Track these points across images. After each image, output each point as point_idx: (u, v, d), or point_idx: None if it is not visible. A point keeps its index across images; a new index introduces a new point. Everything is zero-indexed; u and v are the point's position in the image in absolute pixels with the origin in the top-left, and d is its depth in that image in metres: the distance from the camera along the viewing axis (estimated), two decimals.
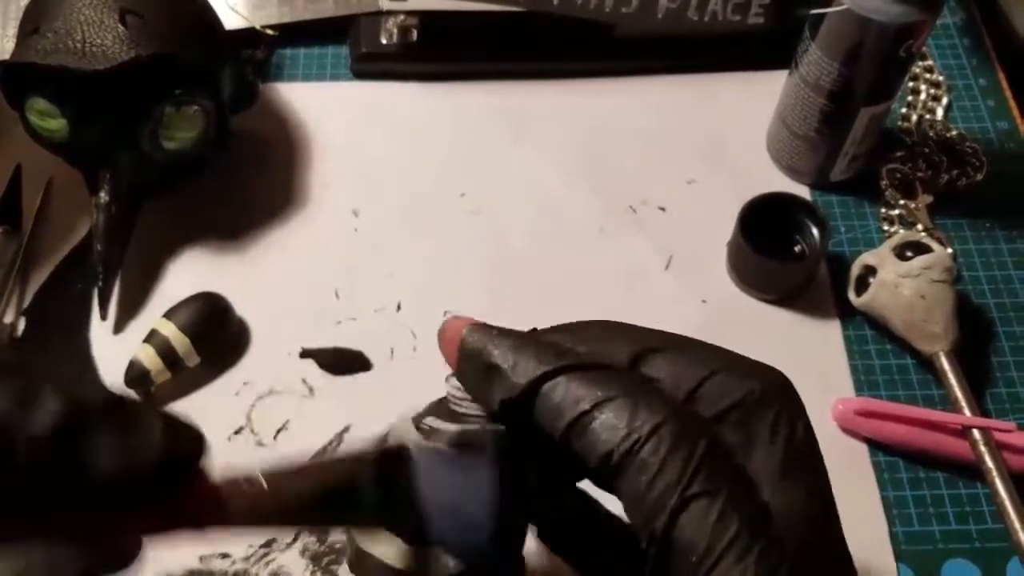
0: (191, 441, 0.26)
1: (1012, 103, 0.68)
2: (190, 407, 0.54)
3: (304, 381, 0.55)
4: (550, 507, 0.31)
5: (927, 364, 0.55)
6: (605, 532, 0.32)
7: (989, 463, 0.51)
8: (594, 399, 0.25)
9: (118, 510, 0.24)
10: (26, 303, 0.57)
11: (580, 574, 0.32)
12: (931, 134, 0.66)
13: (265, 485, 0.27)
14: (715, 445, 0.24)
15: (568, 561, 0.32)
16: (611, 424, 0.25)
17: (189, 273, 0.59)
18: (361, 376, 0.56)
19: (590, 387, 0.25)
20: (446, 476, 0.28)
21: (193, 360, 0.53)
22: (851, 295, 0.57)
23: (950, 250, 0.60)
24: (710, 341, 0.30)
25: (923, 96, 0.68)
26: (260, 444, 0.53)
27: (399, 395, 0.55)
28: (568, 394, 0.26)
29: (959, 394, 0.53)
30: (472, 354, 0.28)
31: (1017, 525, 0.49)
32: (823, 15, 0.54)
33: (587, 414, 0.25)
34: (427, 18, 0.66)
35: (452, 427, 0.29)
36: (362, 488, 0.28)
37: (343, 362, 0.55)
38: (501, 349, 0.27)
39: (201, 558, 0.50)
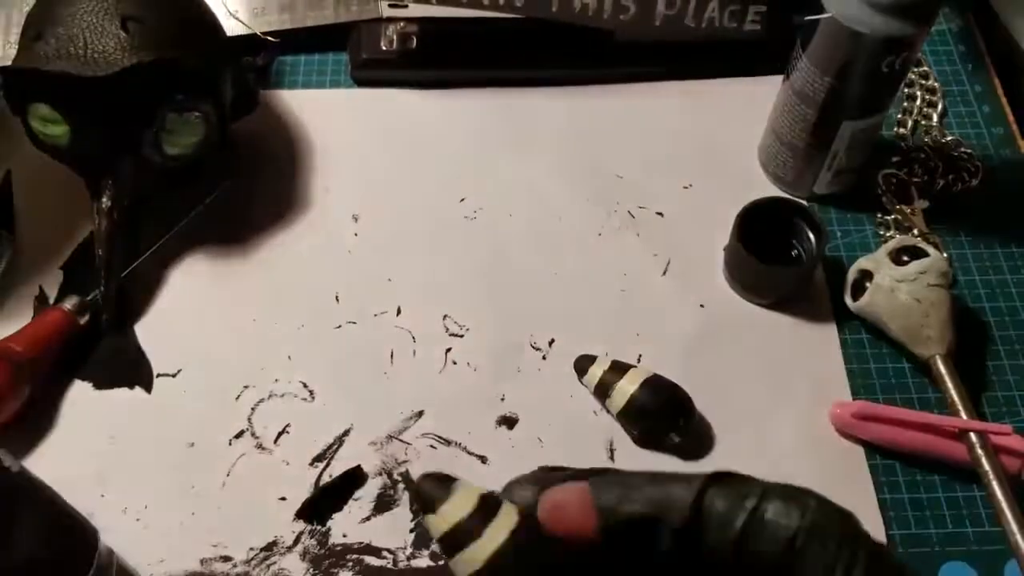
0: None
1: (1007, 109, 0.68)
2: (191, 410, 0.54)
3: (304, 385, 0.56)
4: None
5: (923, 368, 0.56)
6: None
7: (986, 466, 0.51)
8: (756, 495, 0.26)
9: None
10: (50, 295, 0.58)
11: None
12: (927, 140, 0.67)
13: None
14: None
15: None
16: (783, 511, 0.25)
17: (190, 278, 0.60)
18: (362, 380, 0.56)
19: (741, 488, 0.26)
20: None
21: None
22: (848, 299, 0.57)
23: (946, 255, 0.61)
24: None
25: (919, 102, 0.68)
26: (261, 448, 0.53)
27: (399, 399, 0.55)
28: (730, 498, 0.26)
29: (955, 397, 0.53)
30: (608, 512, 0.27)
31: (1014, 527, 0.49)
32: (814, 26, 0.54)
33: (757, 508, 0.26)
34: (427, 25, 0.67)
35: None
36: None
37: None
38: (636, 492, 0.27)
39: (202, 561, 0.50)
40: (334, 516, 0.52)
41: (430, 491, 0.27)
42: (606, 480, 0.27)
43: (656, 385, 0.53)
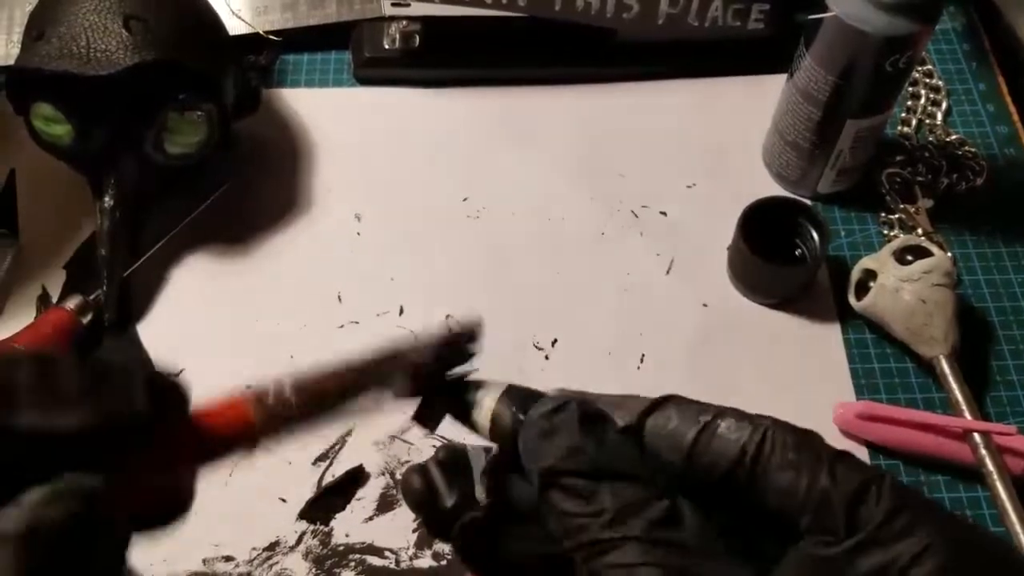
0: (174, 390, 0.26)
1: (1012, 108, 0.68)
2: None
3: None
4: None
5: (927, 368, 0.56)
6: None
7: (990, 466, 0.51)
8: (713, 412, 0.27)
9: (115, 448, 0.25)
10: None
11: None
12: (931, 138, 0.66)
13: (292, 397, 0.29)
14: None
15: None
16: (735, 426, 0.26)
17: (192, 277, 0.59)
18: None
19: (701, 407, 0.27)
20: None
21: None
22: (851, 299, 0.57)
23: (950, 254, 0.61)
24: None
25: (923, 101, 0.68)
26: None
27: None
28: (685, 412, 0.27)
29: (960, 398, 0.53)
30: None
31: (1018, 528, 0.49)
32: (818, 24, 0.54)
33: (710, 423, 0.26)
34: (430, 24, 0.66)
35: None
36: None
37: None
38: (602, 402, 0.28)
39: (204, 561, 0.50)
40: (336, 516, 0.52)
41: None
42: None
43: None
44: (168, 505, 0.27)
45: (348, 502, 0.52)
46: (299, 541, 0.51)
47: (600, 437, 0.26)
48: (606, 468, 0.25)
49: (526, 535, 0.28)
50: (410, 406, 0.32)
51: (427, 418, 0.31)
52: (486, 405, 0.30)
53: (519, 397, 0.29)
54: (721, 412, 0.27)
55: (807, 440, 0.26)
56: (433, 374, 0.30)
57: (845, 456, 0.26)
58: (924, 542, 0.24)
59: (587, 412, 0.27)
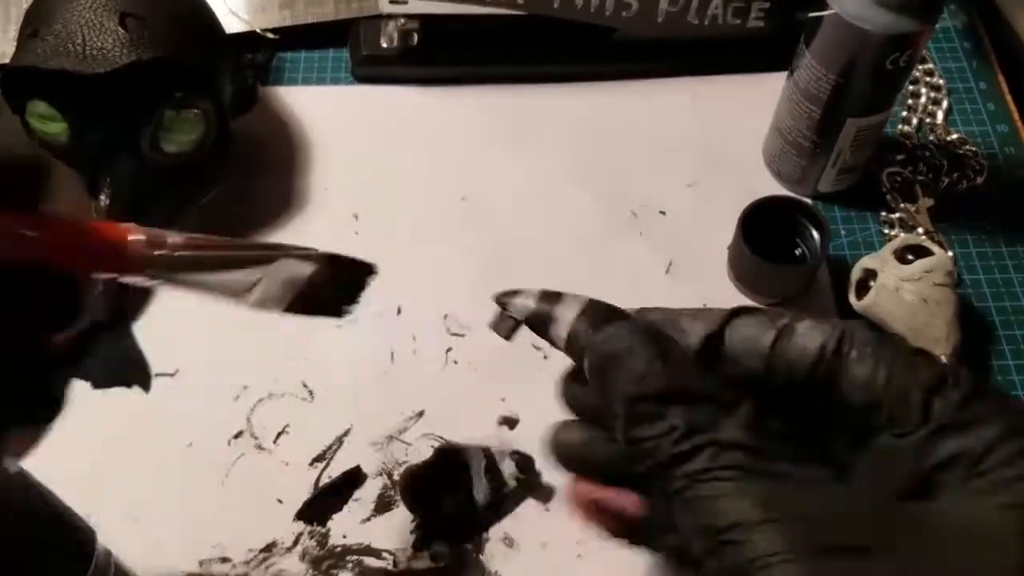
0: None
1: (1012, 106, 0.68)
2: (190, 411, 0.54)
3: (304, 385, 0.55)
4: None
5: None
6: None
7: None
8: (787, 316, 0.27)
9: None
10: None
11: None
12: (931, 137, 0.66)
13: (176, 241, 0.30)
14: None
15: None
16: (812, 327, 0.26)
17: None
18: (362, 380, 0.55)
19: (777, 312, 0.27)
20: None
21: None
22: (852, 299, 0.57)
23: (951, 253, 0.60)
24: None
25: (923, 99, 0.68)
26: (260, 448, 0.53)
27: (399, 398, 0.55)
28: (762, 319, 0.27)
29: None
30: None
31: None
32: (819, 22, 0.54)
33: (788, 326, 0.27)
34: (428, 22, 0.66)
35: None
36: None
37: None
38: (682, 316, 0.28)
39: (201, 562, 0.50)
40: (334, 517, 0.51)
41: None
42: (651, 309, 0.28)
43: None
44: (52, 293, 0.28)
45: (345, 503, 0.52)
46: (296, 542, 0.50)
47: (667, 357, 0.26)
48: (675, 389, 0.25)
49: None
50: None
51: (503, 327, 0.30)
52: (565, 320, 0.29)
53: (598, 315, 0.29)
54: (797, 316, 0.27)
55: (886, 337, 0.26)
56: (318, 286, 0.31)
57: (923, 352, 0.26)
58: (997, 431, 0.24)
59: (652, 332, 0.26)
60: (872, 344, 0.25)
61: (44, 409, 0.28)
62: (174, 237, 0.30)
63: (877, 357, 0.25)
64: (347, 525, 0.51)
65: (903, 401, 0.25)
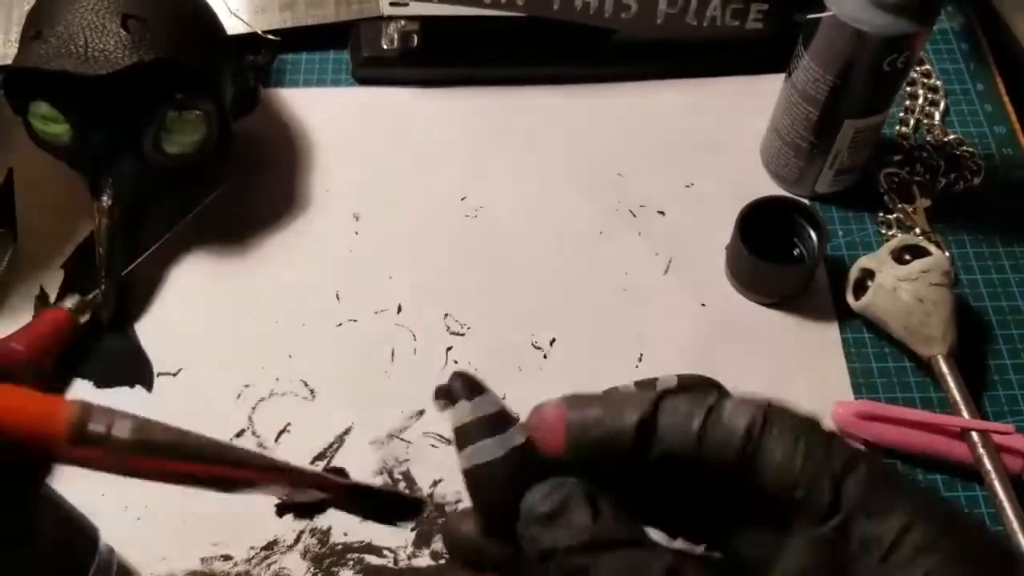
0: None
1: (1009, 107, 0.68)
2: (191, 409, 0.54)
3: (305, 383, 0.55)
4: None
5: (925, 367, 0.56)
6: None
7: (988, 466, 0.51)
8: (714, 396, 0.27)
9: None
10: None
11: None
12: (929, 138, 0.66)
13: (126, 435, 0.27)
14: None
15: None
16: (740, 408, 0.26)
17: (190, 277, 0.59)
18: (362, 378, 0.56)
19: (700, 393, 0.27)
20: None
21: None
22: (849, 298, 0.57)
23: (948, 253, 0.61)
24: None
25: (921, 100, 0.68)
26: (262, 446, 0.53)
27: (399, 397, 0.55)
28: (691, 401, 0.27)
29: (957, 397, 0.53)
30: (581, 429, 0.28)
31: (1016, 527, 0.49)
32: (817, 24, 0.54)
33: (714, 407, 0.27)
34: (428, 23, 0.66)
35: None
36: None
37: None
38: (602, 407, 0.28)
39: (203, 560, 0.50)
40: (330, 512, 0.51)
41: (459, 390, 0.29)
42: (588, 396, 0.28)
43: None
44: None
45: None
46: (297, 540, 0.51)
47: (595, 510, 0.26)
48: (603, 540, 0.26)
49: None
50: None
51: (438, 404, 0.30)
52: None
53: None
54: (722, 396, 0.27)
55: (806, 418, 0.27)
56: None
57: (837, 436, 0.27)
58: (906, 518, 0.25)
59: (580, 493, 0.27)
60: (793, 425, 0.26)
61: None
62: (119, 423, 0.27)
63: (798, 438, 0.26)
64: (348, 523, 0.51)
65: (816, 484, 0.25)
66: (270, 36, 0.67)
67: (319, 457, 0.53)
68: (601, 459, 0.27)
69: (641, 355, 0.56)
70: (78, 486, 0.49)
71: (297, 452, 0.53)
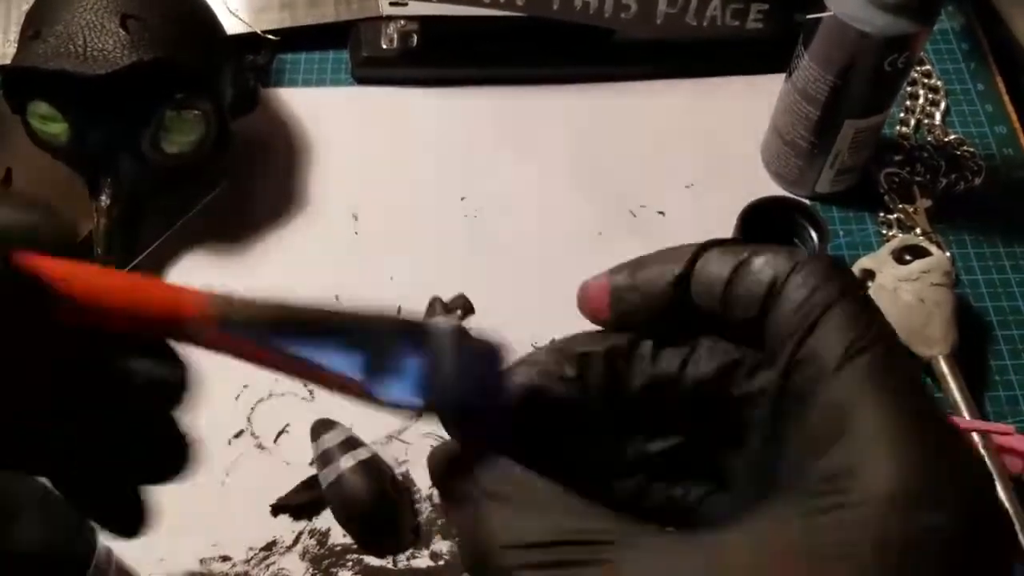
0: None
1: (1010, 108, 0.68)
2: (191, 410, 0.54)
3: (304, 384, 0.55)
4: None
5: (926, 368, 0.55)
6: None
7: (988, 466, 0.51)
8: (749, 251, 0.26)
9: None
10: None
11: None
12: (929, 138, 0.66)
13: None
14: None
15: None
16: (771, 259, 0.25)
17: (189, 276, 0.59)
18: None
19: (739, 247, 0.26)
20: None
21: None
22: None
23: (948, 254, 0.60)
24: None
25: (921, 100, 0.68)
26: (260, 447, 0.53)
27: None
28: (723, 254, 0.26)
29: (958, 397, 0.53)
30: (626, 290, 0.29)
31: (1017, 528, 0.49)
32: (817, 23, 0.54)
33: (746, 261, 0.25)
34: (428, 23, 0.66)
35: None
36: None
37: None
38: (644, 266, 0.29)
39: (201, 561, 0.50)
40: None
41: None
42: (626, 263, 0.29)
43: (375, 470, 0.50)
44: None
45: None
46: (296, 541, 0.50)
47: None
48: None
49: None
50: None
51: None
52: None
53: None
54: (757, 250, 0.26)
55: (839, 271, 0.24)
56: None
57: (868, 301, 0.24)
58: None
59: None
60: (818, 278, 0.24)
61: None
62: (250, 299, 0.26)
63: (814, 288, 0.24)
64: None
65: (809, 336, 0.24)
66: (269, 36, 0.67)
67: None
68: (641, 319, 0.28)
69: None
70: None
71: (296, 453, 0.53)
